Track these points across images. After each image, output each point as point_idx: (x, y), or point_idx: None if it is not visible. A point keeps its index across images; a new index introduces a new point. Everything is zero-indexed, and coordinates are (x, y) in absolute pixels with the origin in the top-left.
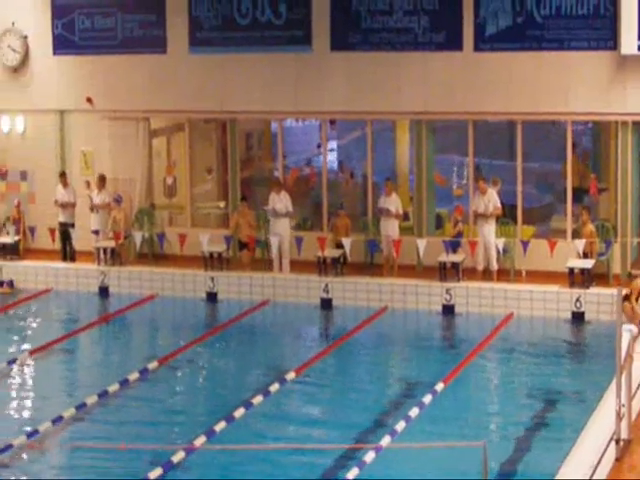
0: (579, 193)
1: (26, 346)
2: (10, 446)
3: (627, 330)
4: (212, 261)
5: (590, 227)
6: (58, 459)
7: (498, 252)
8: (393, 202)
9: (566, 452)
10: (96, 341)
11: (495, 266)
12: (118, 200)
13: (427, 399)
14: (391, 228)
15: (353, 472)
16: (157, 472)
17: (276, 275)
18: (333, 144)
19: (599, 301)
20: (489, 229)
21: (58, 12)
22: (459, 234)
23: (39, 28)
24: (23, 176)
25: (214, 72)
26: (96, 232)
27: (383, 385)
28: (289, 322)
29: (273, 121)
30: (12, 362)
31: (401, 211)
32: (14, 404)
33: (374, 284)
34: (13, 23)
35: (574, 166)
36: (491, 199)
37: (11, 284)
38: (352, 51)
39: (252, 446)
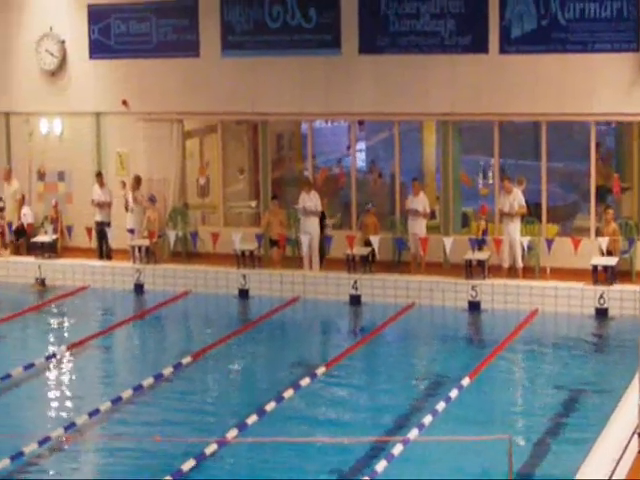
0: (603, 192)
1: (64, 342)
2: (48, 439)
3: None
4: (244, 259)
5: (614, 225)
6: (95, 451)
7: (523, 250)
8: (421, 202)
9: (589, 446)
10: (131, 337)
11: (520, 264)
12: (152, 200)
13: (453, 394)
14: (418, 227)
15: (381, 464)
16: (190, 464)
17: (306, 272)
18: (362, 145)
19: (622, 297)
20: (514, 227)
21: (94, 17)
22: (484, 232)
23: (76, 33)
24: (61, 177)
25: (246, 75)
26: (131, 231)
27: (410, 379)
28: (319, 318)
29: (303, 122)
30: (50, 357)
31: (428, 210)
32: (52, 398)
33: (402, 281)
34: (51, 28)
35: (598, 166)
36: (516, 198)
37: (42, 283)
38: (380, 54)
39: (282, 439)
